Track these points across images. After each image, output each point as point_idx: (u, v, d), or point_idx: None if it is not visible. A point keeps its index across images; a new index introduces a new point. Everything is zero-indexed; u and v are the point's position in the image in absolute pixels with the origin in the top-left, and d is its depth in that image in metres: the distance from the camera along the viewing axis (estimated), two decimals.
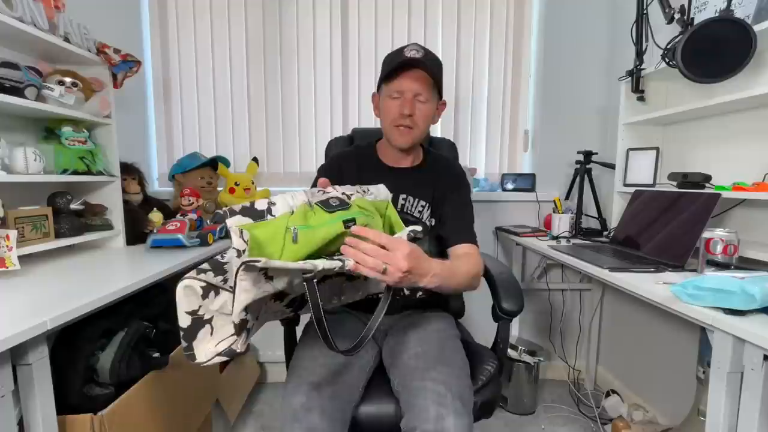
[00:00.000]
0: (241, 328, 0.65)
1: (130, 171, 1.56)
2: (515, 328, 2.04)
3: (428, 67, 0.98)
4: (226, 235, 1.61)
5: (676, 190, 1.31)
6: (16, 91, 1.09)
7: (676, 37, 1.24)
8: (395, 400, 0.89)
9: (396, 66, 0.98)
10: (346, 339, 0.96)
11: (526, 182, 1.92)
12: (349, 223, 0.70)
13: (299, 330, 1.04)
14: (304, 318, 1.07)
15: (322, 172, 1.14)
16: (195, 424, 1.28)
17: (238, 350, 0.65)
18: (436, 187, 1.10)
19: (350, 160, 1.15)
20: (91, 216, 1.37)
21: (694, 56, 1.16)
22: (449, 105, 1.95)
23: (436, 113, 1.07)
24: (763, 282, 0.74)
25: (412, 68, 0.98)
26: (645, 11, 1.46)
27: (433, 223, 1.09)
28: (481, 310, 1.20)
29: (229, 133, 1.95)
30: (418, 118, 1.02)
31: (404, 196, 1.09)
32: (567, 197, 1.88)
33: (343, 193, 0.79)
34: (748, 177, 1.22)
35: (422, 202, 1.08)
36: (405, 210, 1.08)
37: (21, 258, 1.03)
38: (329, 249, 0.71)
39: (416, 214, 1.09)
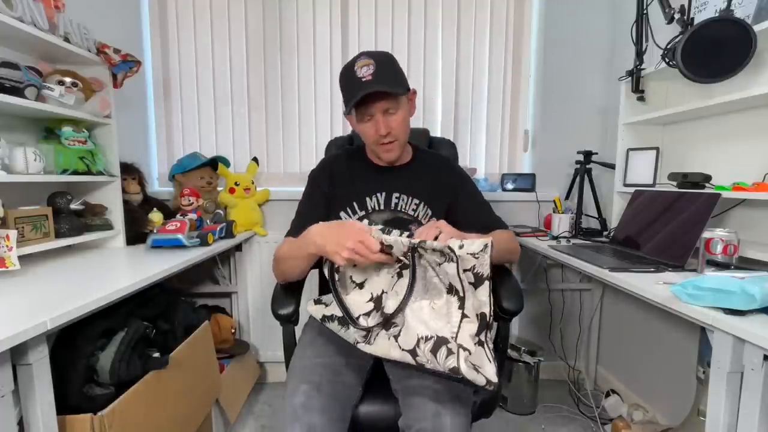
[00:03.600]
0: None
1: (130, 171, 1.56)
2: (515, 328, 2.04)
3: (383, 86, 0.95)
4: (226, 235, 1.61)
5: (676, 190, 1.31)
6: (16, 91, 1.09)
7: (676, 37, 1.24)
8: (394, 398, 0.89)
9: (354, 102, 0.96)
10: (342, 347, 0.95)
11: (526, 182, 1.92)
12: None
13: (298, 330, 1.04)
14: (303, 318, 1.08)
15: (314, 175, 1.15)
16: (195, 424, 1.28)
17: None
18: (436, 187, 1.10)
19: (340, 163, 1.15)
20: (91, 216, 1.37)
21: (694, 56, 1.16)
22: (449, 105, 1.96)
23: (410, 107, 1.06)
24: (763, 282, 0.74)
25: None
26: (645, 11, 1.46)
27: (427, 221, 1.09)
28: None
29: (229, 133, 1.95)
30: (396, 129, 1.02)
31: (397, 194, 1.09)
32: (567, 197, 1.88)
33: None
34: (748, 177, 1.22)
35: (416, 200, 1.09)
36: (399, 209, 1.09)
37: (21, 258, 1.03)
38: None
39: (410, 212, 1.09)
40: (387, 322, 0.76)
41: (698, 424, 1.16)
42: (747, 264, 1.05)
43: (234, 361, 1.72)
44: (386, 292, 0.80)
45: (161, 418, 1.09)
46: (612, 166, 1.70)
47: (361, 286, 0.85)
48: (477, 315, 0.73)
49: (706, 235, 1.02)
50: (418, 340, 0.72)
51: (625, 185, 1.62)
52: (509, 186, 1.93)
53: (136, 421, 0.99)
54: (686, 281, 0.83)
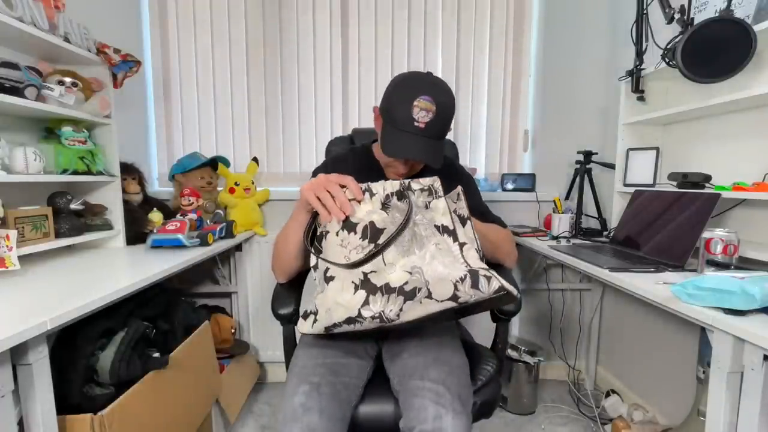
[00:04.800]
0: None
1: (130, 171, 1.56)
2: (515, 328, 2.04)
3: (431, 152, 0.95)
4: (226, 235, 1.61)
5: (676, 190, 1.31)
6: (16, 91, 1.09)
7: (676, 37, 1.24)
8: (394, 399, 0.89)
9: (393, 144, 0.95)
10: (343, 347, 0.94)
11: (526, 182, 1.92)
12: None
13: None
14: None
15: (318, 173, 1.14)
16: (195, 424, 1.28)
17: None
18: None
19: (346, 162, 1.14)
20: (91, 216, 1.38)
21: (694, 56, 1.16)
22: None
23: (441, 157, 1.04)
24: (763, 282, 0.74)
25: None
26: (645, 11, 1.46)
27: None
28: None
29: (229, 133, 1.95)
30: (416, 168, 1.05)
31: None
32: (567, 197, 1.88)
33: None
34: (748, 177, 1.22)
35: None
36: None
37: (21, 258, 1.03)
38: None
39: None
40: (406, 293, 0.72)
41: (698, 424, 1.16)
42: (747, 264, 1.05)
43: (234, 361, 1.72)
44: (373, 272, 0.75)
45: (161, 418, 1.09)
46: (612, 166, 1.70)
47: (330, 279, 0.78)
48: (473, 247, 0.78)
49: (706, 235, 1.02)
50: (455, 284, 0.71)
51: (625, 185, 1.62)
52: (509, 186, 1.93)
53: (136, 421, 0.99)
54: (686, 281, 0.83)
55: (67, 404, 0.90)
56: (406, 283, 0.73)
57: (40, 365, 0.73)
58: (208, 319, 1.52)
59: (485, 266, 0.75)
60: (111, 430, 0.90)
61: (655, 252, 1.22)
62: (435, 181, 0.80)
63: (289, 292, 1.04)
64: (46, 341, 0.74)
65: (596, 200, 1.77)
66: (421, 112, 0.91)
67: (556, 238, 1.63)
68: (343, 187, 0.80)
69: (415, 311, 0.73)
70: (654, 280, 0.98)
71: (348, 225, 0.78)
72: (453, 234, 0.77)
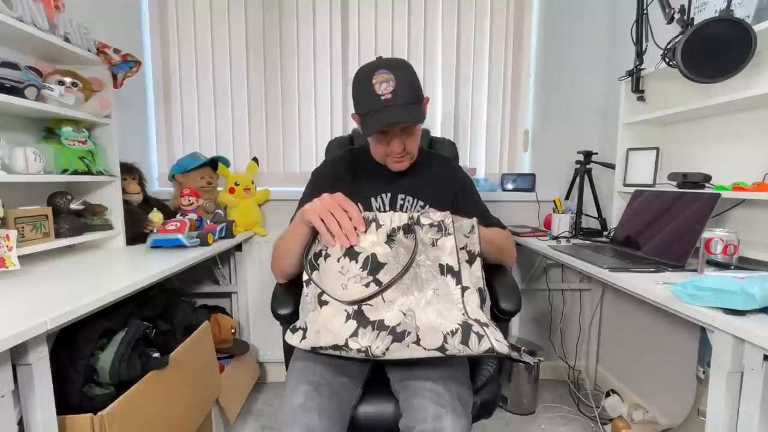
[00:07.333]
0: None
1: (130, 171, 1.57)
2: (515, 328, 2.04)
3: (406, 113, 0.93)
4: (226, 235, 1.61)
5: (676, 190, 1.31)
6: (16, 91, 1.09)
7: (676, 37, 1.24)
8: (394, 399, 0.89)
9: (375, 130, 0.94)
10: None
11: (526, 182, 1.92)
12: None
13: None
14: None
15: (318, 174, 1.15)
16: (195, 424, 1.28)
17: None
18: (440, 189, 1.10)
19: (345, 163, 1.14)
20: (91, 216, 1.37)
21: (694, 56, 1.16)
22: (449, 105, 1.96)
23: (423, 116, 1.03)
24: (763, 282, 0.74)
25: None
26: (645, 11, 1.46)
27: None
28: None
29: (229, 133, 1.95)
30: (410, 146, 1.02)
31: (402, 195, 1.09)
32: (567, 197, 1.88)
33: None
34: (748, 177, 1.22)
35: (421, 202, 1.09)
36: (404, 210, 1.08)
37: (21, 258, 1.03)
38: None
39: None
40: (396, 334, 0.73)
41: (698, 424, 1.16)
42: (747, 264, 1.05)
43: (234, 361, 1.72)
44: (367, 304, 0.76)
45: (161, 418, 1.09)
46: (612, 166, 1.70)
47: (324, 303, 0.78)
48: (477, 289, 0.77)
49: (706, 235, 1.02)
50: (445, 336, 0.71)
51: (625, 185, 1.62)
52: (509, 186, 1.93)
53: (136, 421, 0.99)
54: (686, 281, 0.83)
55: (67, 404, 0.90)
56: (399, 324, 0.73)
57: (40, 365, 0.73)
58: (208, 319, 1.52)
59: (481, 318, 0.74)
60: (111, 430, 0.90)
61: (655, 252, 1.22)
62: (446, 217, 0.78)
63: (289, 292, 1.04)
64: (46, 341, 0.74)
65: (596, 200, 1.77)
66: (383, 84, 0.92)
67: (556, 238, 1.63)
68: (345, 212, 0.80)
69: (401, 353, 0.73)
70: (654, 280, 0.98)
71: (351, 253, 0.78)
72: (457, 276, 0.76)
